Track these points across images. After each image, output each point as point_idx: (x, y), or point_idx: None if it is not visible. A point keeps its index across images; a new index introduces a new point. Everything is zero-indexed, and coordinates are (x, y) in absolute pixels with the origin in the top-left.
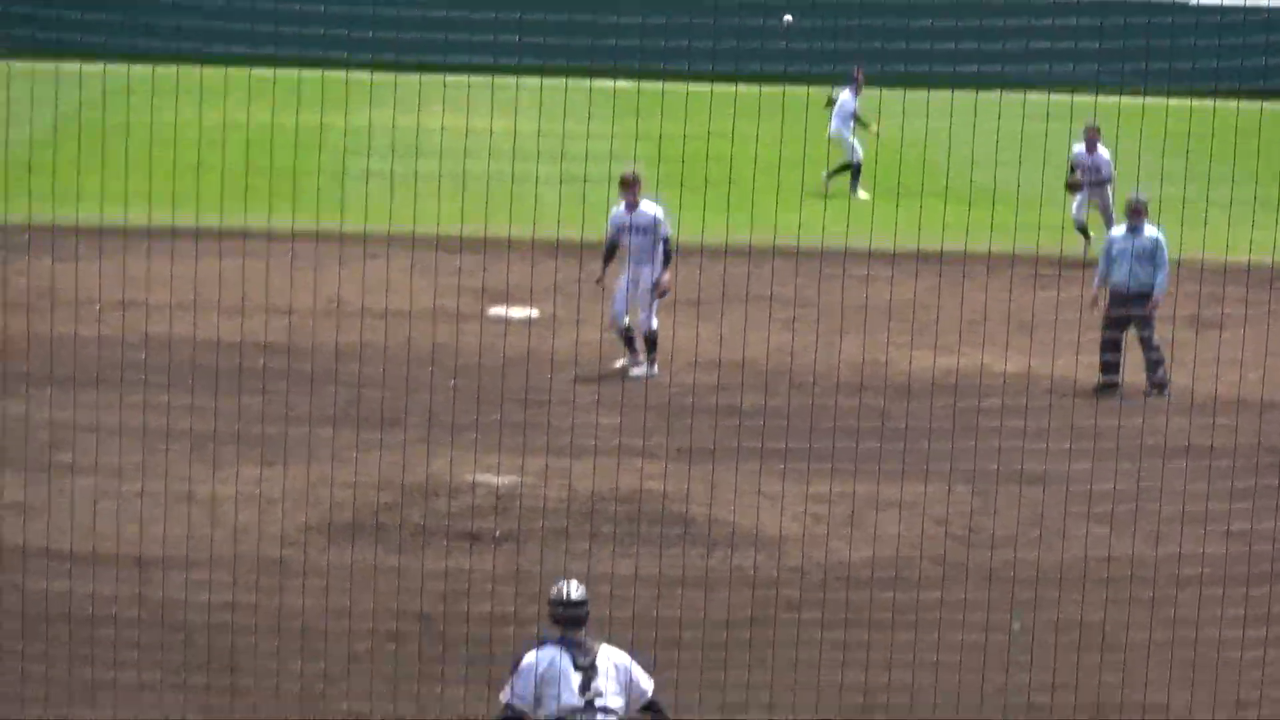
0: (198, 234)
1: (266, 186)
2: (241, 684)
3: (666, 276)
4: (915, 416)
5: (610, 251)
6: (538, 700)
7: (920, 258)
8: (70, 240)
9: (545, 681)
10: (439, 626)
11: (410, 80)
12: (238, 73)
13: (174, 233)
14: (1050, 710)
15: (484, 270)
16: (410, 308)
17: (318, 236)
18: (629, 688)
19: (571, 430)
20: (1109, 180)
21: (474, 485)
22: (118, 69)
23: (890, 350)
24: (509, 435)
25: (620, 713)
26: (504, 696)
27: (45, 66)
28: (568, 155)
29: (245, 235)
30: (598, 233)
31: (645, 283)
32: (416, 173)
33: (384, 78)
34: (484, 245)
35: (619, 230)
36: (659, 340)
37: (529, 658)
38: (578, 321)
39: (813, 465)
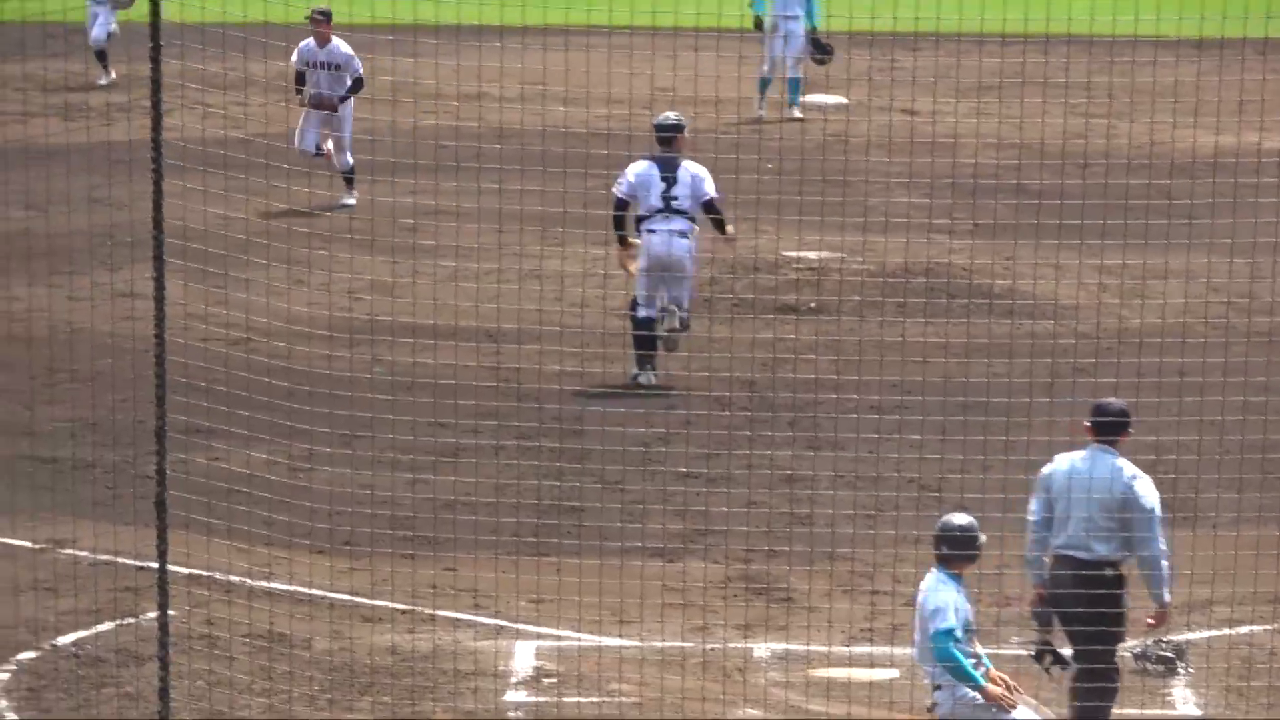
0: (545, 31)
1: None
2: (589, 447)
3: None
4: (1196, 195)
5: (299, 79)
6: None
7: (1200, 42)
8: (428, 39)
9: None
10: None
11: None
12: None
13: (524, 31)
14: None
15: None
16: (716, 95)
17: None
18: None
19: (884, 208)
20: None
21: (793, 260)
22: None
23: (1173, 131)
24: (822, 213)
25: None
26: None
27: None
28: None
29: (589, 31)
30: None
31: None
32: None
33: None
34: None
35: (306, 65)
36: None
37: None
38: (888, 109)
39: (1102, 240)
